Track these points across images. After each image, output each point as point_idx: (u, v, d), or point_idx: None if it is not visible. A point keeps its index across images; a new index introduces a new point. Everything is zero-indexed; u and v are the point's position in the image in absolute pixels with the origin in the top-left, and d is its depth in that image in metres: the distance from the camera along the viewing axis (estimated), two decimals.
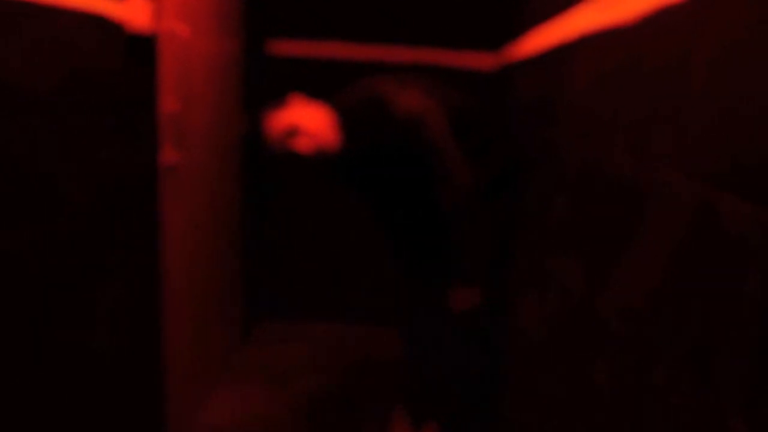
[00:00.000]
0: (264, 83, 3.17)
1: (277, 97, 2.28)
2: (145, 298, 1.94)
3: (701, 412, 0.90)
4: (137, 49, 1.78)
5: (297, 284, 3.46)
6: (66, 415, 1.49)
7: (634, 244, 1.18)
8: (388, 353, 3.16)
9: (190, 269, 2.31)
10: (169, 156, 2.00)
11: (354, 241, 3.38)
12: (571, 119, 1.69)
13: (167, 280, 2.07)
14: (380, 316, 3.43)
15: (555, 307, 1.73)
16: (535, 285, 2.00)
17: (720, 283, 0.87)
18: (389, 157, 2.21)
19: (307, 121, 2.13)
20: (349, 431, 2.54)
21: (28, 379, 1.33)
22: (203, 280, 2.49)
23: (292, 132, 2.11)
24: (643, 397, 1.10)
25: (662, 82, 1.11)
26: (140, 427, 1.95)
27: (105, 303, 1.66)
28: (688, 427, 0.94)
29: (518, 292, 2.23)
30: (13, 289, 1.26)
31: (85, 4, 1.48)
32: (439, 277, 2.31)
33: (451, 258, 2.20)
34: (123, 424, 1.82)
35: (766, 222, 0.77)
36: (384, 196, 2.43)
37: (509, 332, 2.34)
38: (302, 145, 2.11)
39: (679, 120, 1.03)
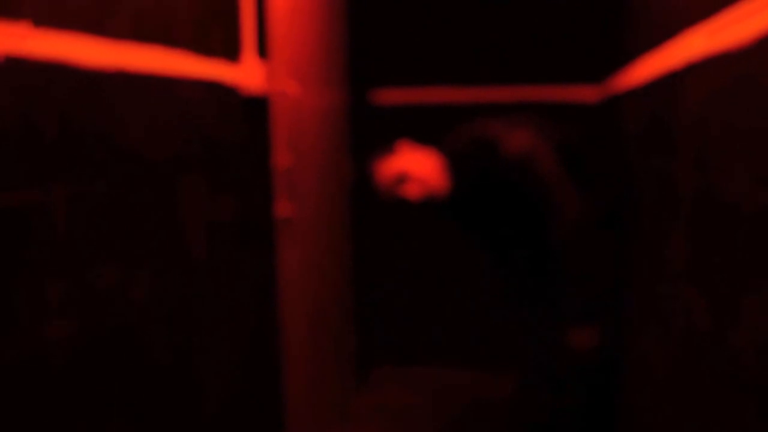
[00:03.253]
0: (371, 132, 3.26)
1: (384, 145, 2.34)
2: (264, 341, 2.01)
3: None
4: (251, 110, 1.88)
5: (410, 329, 3.47)
6: None
7: (762, 274, 1.12)
8: (503, 397, 3.10)
9: (306, 317, 2.37)
10: (284, 208, 2.09)
11: (467, 285, 3.36)
12: (685, 147, 1.63)
13: (285, 328, 2.14)
14: (494, 360, 3.37)
15: (679, 343, 1.65)
16: (655, 321, 1.91)
17: None
18: (500, 198, 2.21)
19: (416, 167, 2.17)
20: None
21: None
22: (319, 327, 2.55)
23: (402, 178, 2.16)
24: None
25: None
26: None
27: (226, 345, 1.74)
28: None
29: (637, 328, 2.14)
30: (129, 352, 1.34)
31: (203, 73, 1.59)
32: (556, 317, 2.26)
33: (566, 296, 2.15)
34: None
35: None
36: (496, 238, 2.42)
37: (630, 371, 2.25)
38: (412, 191, 2.15)
39: None
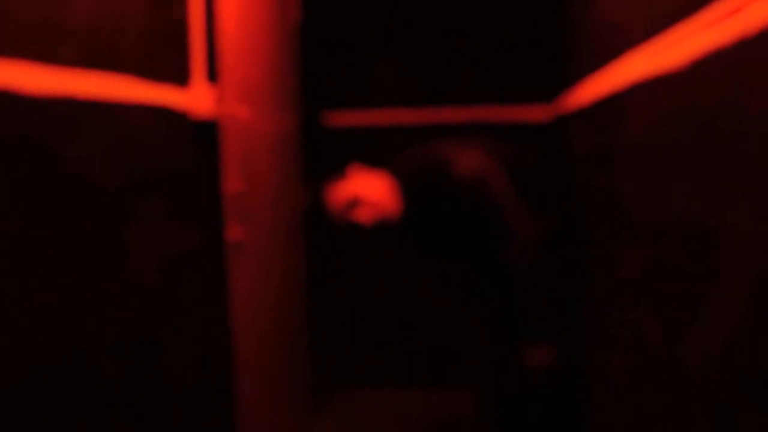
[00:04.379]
0: (324, 154, 3.25)
1: (336, 168, 2.34)
2: (216, 371, 1.97)
3: None
4: (201, 135, 1.86)
5: (368, 351, 3.45)
6: None
7: (708, 289, 1.15)
8: (464, 418, 3.10)
9: (259, 342, 2.34)
10: (235, 233, 2.06)
11: (422, 305, 3.36)
12: (630, 167, 1.67)
13: (237, 353, 2.11)
14: (454, 378, 3.37)
15: (632, 359, 1.68)
16: (609, 338, 1.94)
17: None
18: (452, 218, 2.22)
19: (368, 191, 2.17)
20: None
21: None
22: (273, 352, 2.52)
23: (354, 203, 2.16)
24: None
25: (717, 125, 1.09)
26: None
27: (177, 375, 1.70)
28: None
29: (593, 347, 2.17)
30: (80, 379, 1.31)
31: (151, 98, 1.57)
32: (512, 335, 2.28)
33: (521, 316, 2.17)
34: None
35: None
36: (449, 258, 2.43)
37: (586, 386, 2.27)
38: (364, 215, 2.15)
39: (738, 159, 1.01)
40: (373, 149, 3.06)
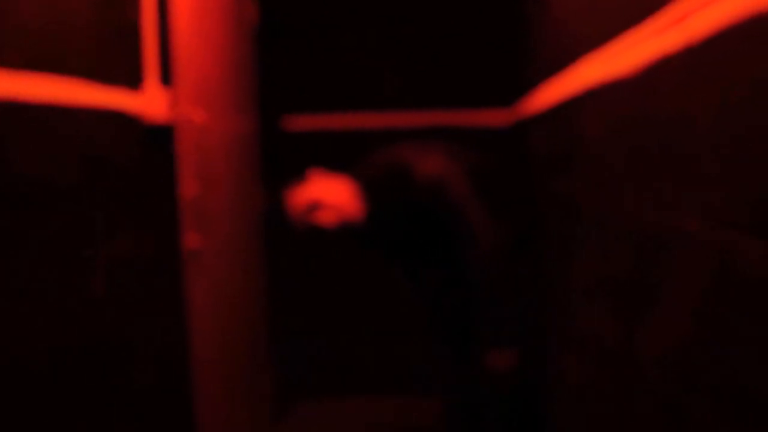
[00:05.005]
0: (283, 159, 3.23)
1: (297, 172, 2.32)
2: (175, 383, 1.93)
3: None
4: (155, 139, 1.83)
5: (328, 359, 3.42)
6: None
7: (660, 291, 1.16)
8: (427, 424, 3.09)
9: (217, 350, 2.31)
10: (192, 239, 2.03)
11: (385, 311, 3.35)
12: (586, 172, 1.68)
13: (195, 362, 2.07)
14: (416, 385, 3.36)
15: (592, 361, 1.69)
16: (570, 341, 1.96)
17: (746, 327, 0.85)
18: (414, 222, 2.22)
19: (329, 195, 2.15)
20: None
21: None
22: (232, 360, 2.48)
23: (314, 206, 2.14)
24: None
25: (668, 130, 1.10)
26: None
27: (133, 388, 1.66)
28: None
29: (554, 349, 2.19)
30: (29, 394, 1.27)
31: (102, 101, 1.53)
32: (474, 339, 2.28)
33: (482, 320, 2.17)
34: None
35: None
36: (411, 262, 2.43)
37: (549, 390, 2.28)
38: (325, 218, 2.13)
39: (687, 166, 1.02)
40: (333, 154, 3.05)
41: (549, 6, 2.15)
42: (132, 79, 1.71)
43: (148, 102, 1.77)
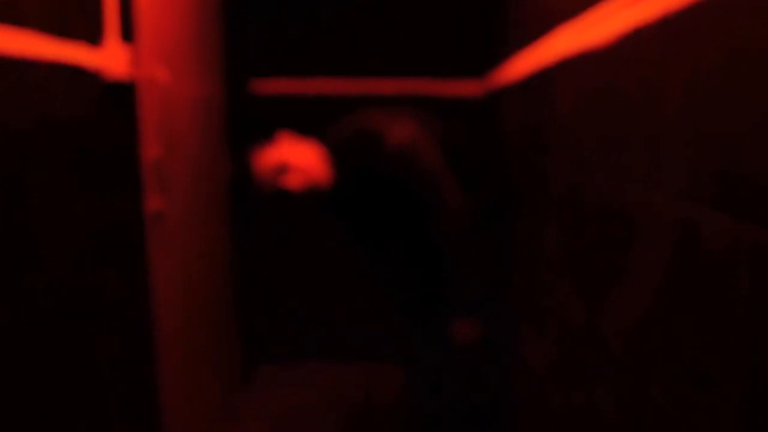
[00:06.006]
0: (250, 123, 3.16)
1: (264, 136, 2.26)
2: (136, 347, 1.90)
3: (700, 419, 0.87)
4: (115, 97, 1.76)
5: (294, 325, 3.41)
6: None
7: (624, 266, 1.15)
8: (389, 391, 3.10)
9: (182, 316, 2.27)
10: (154, 203, 1.97)
11: (349, 279, 3.34)
12: (556, 145, 1.67)
13: (159, 328, 2.03)
14: (380, 353, 3.37)
15: (554, 335, 1.69)
16: (533, 314, 1.96)
17: (708, 301, 0.84)
18: (382, 189, 2.19)
19: (297, 158, 2.10)
20: None
21: None
22: (197, 326, 2.45)
23: (282, 169, 2.09)
24: (644, 417, 1.06)
25: (638, 104, 1.08)
26: None
27: (97, 359, 1.62)
28: None
29: (517, 321, 2.19)
30: None
31: (59, 55, 1.46)
32: (438, 309, 2.28)
33: (449, 289, 2.17)
34: None
35: (744, 236, 0.75)
36: (379, 230, 2.40)
37: (510, 362, 2.29)
38: (293, 182, 2.08)
39: (655, 141, 1.00)
40: (302, 119, 3.00)
41: None
42: (91, 35, 1.64)
43: (108, 58, 1.70)
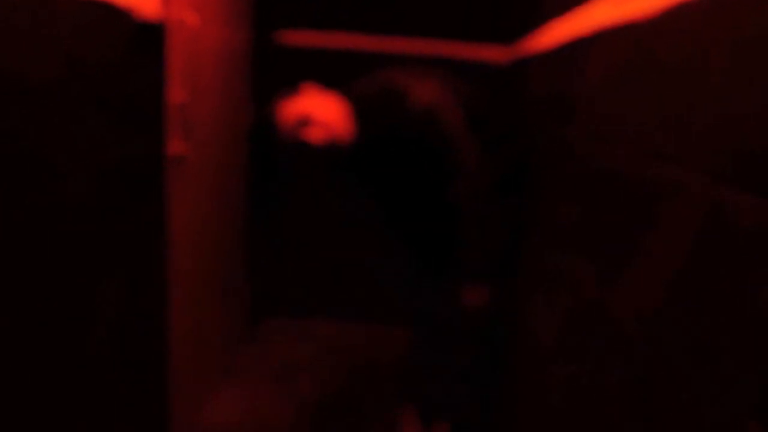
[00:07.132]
0: (275, 74, 3.14)
1: (288, 88, 2.25)
2: (149, 292, 1.92)
3: (714, 412, 0.87)
4: (145, 38, 1.75)
5: (302, 281, 3.43)
6: (64, 417, 1.47)
7: (646, 242, 1.15)
8: (394, 352, 3.13)
9: (195, 262, 2.29)
10: (176, 147, 1.98)
11: (361, 238, 3.35)
12: (584, 117, 1.65)
13: (172, 273, 2.05)
14: (387, 313, 3.40)
15: (565, 308, 1.70)
16: (544, 285, 1.96)
17: (732, 280, 0.84)
18: (403, 149, 2.18)
19: (321, 111, 2.08)
20: (355, 431, 2.52)
21: (24, 379, 1.31)
22: (209, 274, 2.47)
23: (305, 121, 2.06)
24: (654, 396, 1.07)
25: (675, 79, 1.07)
26: (142, 427, 1.93)
27: (107, 297, 1.64)
28: (701, 427, 0.91)
29: (527, 292, 2.19)
30: (9, 286, 1.24)
31: None
32: (449, 274, 2.28)
33: (461, 255, 2.17)
34: (124, 424, 1.79)
35: None
36: (396, 190, 2.40)
37: (518, 333, 2.31)
38: (315, 134, 2.06)
39: (689, 116, 0.99)
40: (327, 72, 2.97)
41: None
42: None
43: None
